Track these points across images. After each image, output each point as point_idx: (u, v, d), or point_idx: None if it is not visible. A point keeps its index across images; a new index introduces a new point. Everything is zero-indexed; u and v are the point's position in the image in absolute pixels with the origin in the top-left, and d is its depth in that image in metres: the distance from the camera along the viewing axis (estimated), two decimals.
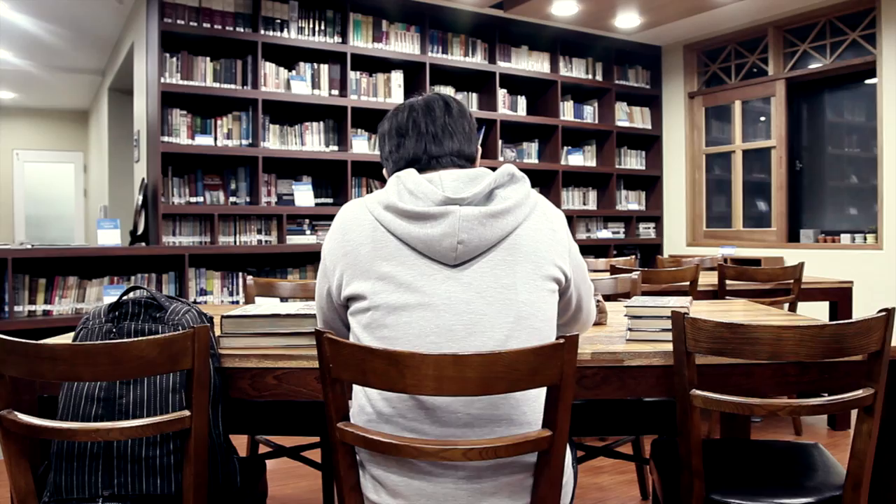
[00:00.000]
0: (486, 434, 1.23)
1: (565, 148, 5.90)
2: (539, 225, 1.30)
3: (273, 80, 4.62)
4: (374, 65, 5.02)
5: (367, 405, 1.28)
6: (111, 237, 3.76)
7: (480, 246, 1.25)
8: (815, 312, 4.84)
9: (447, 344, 1.23)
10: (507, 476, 1.23)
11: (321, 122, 4.85)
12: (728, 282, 3.42)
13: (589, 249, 5.85)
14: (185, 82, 4.33)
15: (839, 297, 3.68)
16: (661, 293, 3.36)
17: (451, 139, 1.38)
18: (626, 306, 1.64)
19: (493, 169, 1.37)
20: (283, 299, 2.90)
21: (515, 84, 5.66)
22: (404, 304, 1.24)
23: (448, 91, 5.33)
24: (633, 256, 4.89)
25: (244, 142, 4.56)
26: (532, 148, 5.78)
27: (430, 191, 1.26)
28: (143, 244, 4.45)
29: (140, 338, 1.31)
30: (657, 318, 1.61)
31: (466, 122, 1.42)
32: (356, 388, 1.33)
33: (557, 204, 5.58)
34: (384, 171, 1.45)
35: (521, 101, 5.63)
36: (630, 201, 6.34)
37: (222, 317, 1.62)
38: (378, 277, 1.26)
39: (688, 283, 3.23)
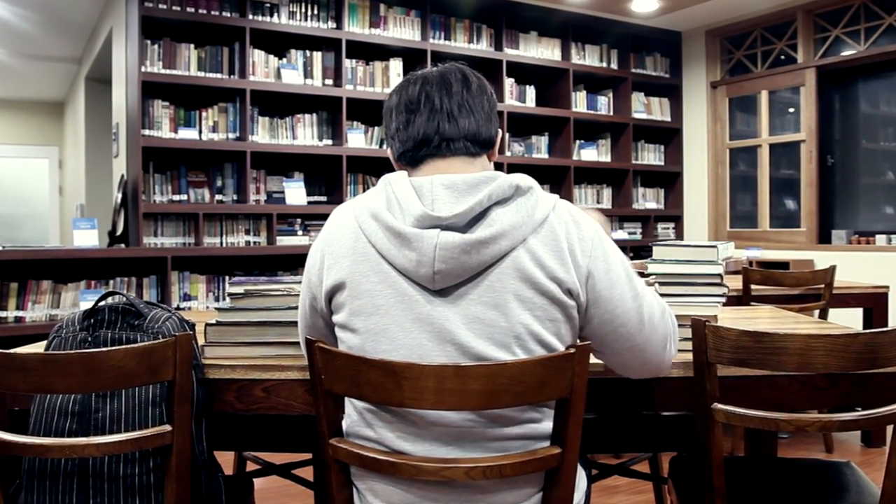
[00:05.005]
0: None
1: (578, 142, 5.90)
2: (540, 246, 1.21)
3: (262, 69, 4.63)
4: (370, 52, 5.03)
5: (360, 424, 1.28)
6: (88, 238, 3.77)
7: (462, 274, 1.19)
8: (848, 320, 4.81)
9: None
10: (511, 491, 1.24)
11: (314, 115, 4.86)
12: (753, 286, 3.42)
13: None
14: (168, 71, 4.34)
15: (874, 304, 3.67)
16: None
17: (468, 118, 1.30)
18: None
19: (500, 167, 1.35)
20: None
21: (524, 73, 5.66)
22: (383, 329, 1.22)
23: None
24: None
25: (231, 135, 4.57)
26: (542, 142, 5.78)
27: (414, 205, 1.21)
28: (123, 246, 4.46)
29: (117, 347, 1.31)
30: (679, 326, 1.60)
31: (486, 100, 1.33)
32: (352, 405, 1.33)
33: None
34: (388, 152, 1.40)
35: (530, 92, 5.63)
36: (648, 199, 6.33)
37: (206, 324, 1.62)
38: (356, 296, 1.24)
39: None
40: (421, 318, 1.20)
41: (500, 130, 1.38)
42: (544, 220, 1.23)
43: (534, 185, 1.26)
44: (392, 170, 1.35)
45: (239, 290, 1.62)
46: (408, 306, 1.21)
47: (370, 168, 5.06)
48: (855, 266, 5.07)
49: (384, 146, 4.99)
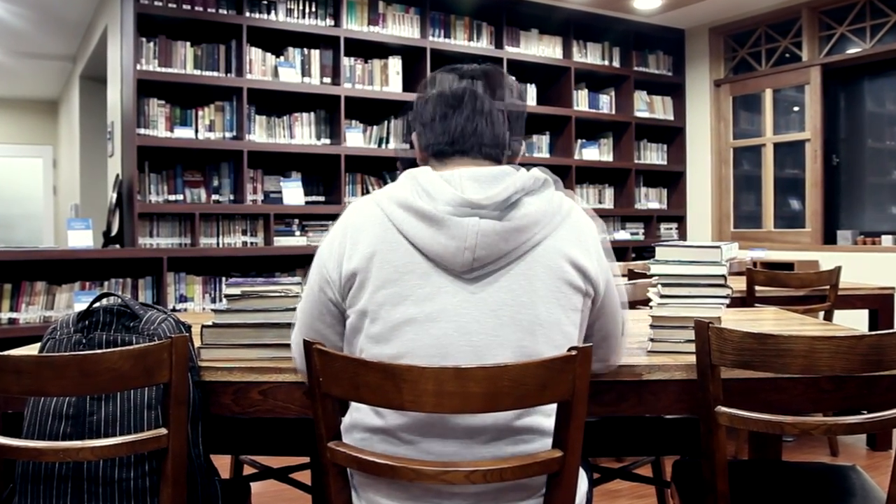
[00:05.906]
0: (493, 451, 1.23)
1: (579, 141, 5.90)
2: (567, 236, 1.29)
3: (259, 67, 4.63)
4: (369, 50, 5.02)
5: (362, 420, 1.28)
6: (83, 238, 3.77)
7: (497, 261, 1.24)
8: (854, 321, 4.81)
9: (453, 364, 1.22)
10: (515, 498, 1.24)
11: (312, 113, 4.86)
12: (757, 288, 3.42)
13: None
14: (163, 69, 4.34)
15: (880, 305, 3.67)
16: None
17: (489, 126, 1.38)
18: (651, 315, 1.63)
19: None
20: None
21: (525, 71, 5.66)
22: (409, 319, 1.23)
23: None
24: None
25: (228, 134, 4.57)
26: (543, 141, 5.78)
27: (445, 192, 1.24)
28: (118, 246, 4.46)
29: (112, 349, 1.31)
30: (682, 327, 1.60)
31: (503, 111, 1.42)
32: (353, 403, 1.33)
33: None
34: (398, 162, 1.46)
35: (531, 90, 5.63)
36: (650, 199, 6.34)
37: (202, 326, 1.62)
38: (382, 285, 1.24)
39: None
40: (448, 307, 1.23)
41: (521, 139, 1.48)
42: (569, 212, 1.31)
43: (553, 179, 1.34)
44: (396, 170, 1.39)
45: (236, 291, 1.62)
46: (436, 296, 1.23)
47: (369, 167, 5.06)
48: (860, 267, 5.07)
49: (383, 145, 5.00)
